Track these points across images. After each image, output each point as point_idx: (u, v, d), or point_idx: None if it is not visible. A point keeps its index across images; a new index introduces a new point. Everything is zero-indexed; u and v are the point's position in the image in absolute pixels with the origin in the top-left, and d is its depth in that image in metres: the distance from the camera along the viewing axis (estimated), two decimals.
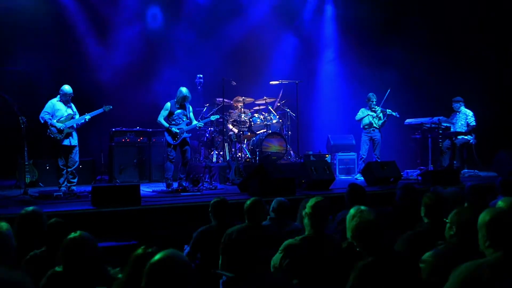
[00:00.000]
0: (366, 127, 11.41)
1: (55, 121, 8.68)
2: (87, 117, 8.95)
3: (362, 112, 11.51)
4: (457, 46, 13.01)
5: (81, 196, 8.09)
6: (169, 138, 9.26)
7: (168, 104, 9.33)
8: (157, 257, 2.42)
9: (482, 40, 12.89)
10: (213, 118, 10.21)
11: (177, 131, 9.20)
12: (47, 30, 11.61)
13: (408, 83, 13.23)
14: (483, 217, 3.11)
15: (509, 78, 13.18)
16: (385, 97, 11.36)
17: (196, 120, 9.74)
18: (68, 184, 8.84)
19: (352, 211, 4.04)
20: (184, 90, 9.30)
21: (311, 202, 4.30)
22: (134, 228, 6.68)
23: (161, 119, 9.28)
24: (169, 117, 9.30)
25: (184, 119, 9.34)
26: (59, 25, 11.78)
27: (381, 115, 11.45)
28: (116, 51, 12.41)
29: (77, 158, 8.94)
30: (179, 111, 9.32)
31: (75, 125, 8.88)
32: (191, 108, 9.57)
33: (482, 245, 3.10)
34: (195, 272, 2.40)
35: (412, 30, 13.04)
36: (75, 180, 8.95)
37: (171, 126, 9.22)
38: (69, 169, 8.87)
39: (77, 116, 8.95)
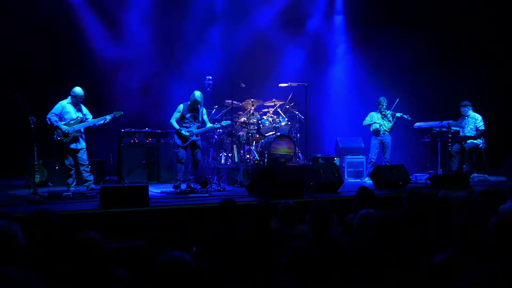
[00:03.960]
0: (375, 132, 11.42)
1: (62, 123, 8.71)
2: (108, 117, 8.96)
3: (370, 117, 11.53)
4: (466, 49, 12.95)
5: (89, 197, 8.11)
6: (178, 141, 9.37)
7: (181, 106, 9.40)
8: (163, 258, 2.43)
9: (492, 43, 12.82)
10: (224, 123, 10.23)
11: (187, 134, 9.26)
12: (58, 30, 11.67)
13: (417, 87, 13.19)
14: (492, 223, 3.09)
15: None
16: (394, 105, 11.38)
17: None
18: (86, 184, 8.88)
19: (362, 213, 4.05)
20: (196, 94, 9.34)
21: (312, 205, 4.31)
22: (142, 229, 6.69)
23: (173, 120, 9.38)
24: (181, 120, 9.36)
25: (196, 123, 9.38)
26: (69, 25, 11.83)
27: (391, 118, 11.45)
28: (125, 52, 12.45)
29: (85, 157, 8.95)
30: (191, 114, 9.38)
31: (82, 129, 8.87)
32: (204, 111, 9.61)
33: (490, 251, 3.07)
34: (201, 274, 2.41)
35: (421, 34, 12.98)
36: (91, 177, 8.97)
37: (181, 128, 9.28)
38: (81, 169, 8.90)
39: (90, 118, 8.97)
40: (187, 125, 9.38)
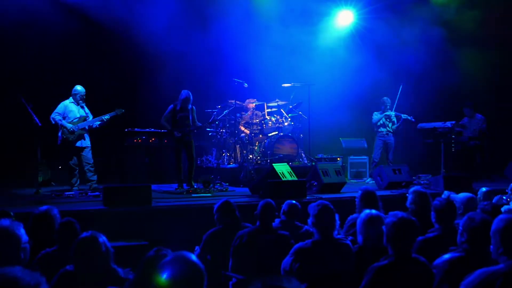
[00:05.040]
0: (380, 131, 11.41)
1: (66, 122, 8.72)
2: (107, 117, 8.96)
3: (377, 116, 11.51)
4: (470, 50, 12.92)
5: (93, 196, 8.12)
6: (172, 141, 9.40)
7: (171, 107, 9.40)
8: (167, 258, 2.43)
9: (496, 44, 12.79)
10: (214, 120, 10.23)
11: (179, 135, 9.25)
12: (59, 29, 11.65)
13: (421, 87, 13.16)
14: (497, 223, 3.08)
15: None
16: (398, 95, 11.38)
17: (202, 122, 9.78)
18: (89, 184, 8.88)
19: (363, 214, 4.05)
20: (185, 93, 9.36)
21: (315, 205, 4.31)
22: (145, 228, 6.70)
23: (164, 121, 9.36)
24: (173, 120, 9.36)
25: (187, 122, 9.37)
26: (71, 22, 11.79)
27: (395, 119, 11.45)
28: (129, 52, 12.45)
29: (90, 156, 8.96)
30: (182, 114, 9.36)
31: (87, 127, 8.91)
32: (194, 109, 9.60)
33: (495, 252, 3.07)
34: (205, 274, 2.40)
35: (425, 34, 12.97)
36: (95, 177, 8.96)
37: (173, 129, 9.29)
38: (85, 168, 8.90)
39: (91, 118, 8.98)
40: (179, 124, 9.37)
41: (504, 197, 6.29)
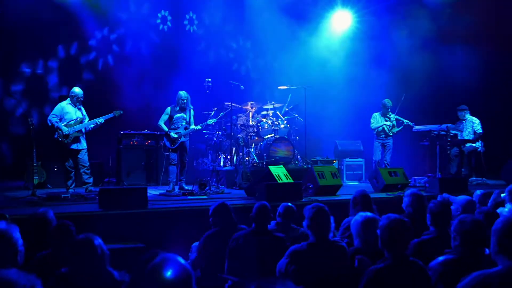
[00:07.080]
0: (380, 134, 11.41)
1: (63, 124, 8.70)
2: (101, 120, 8.94)
3: (376, 120, 11.48)
4: (465, 53, 12.96)
5: (88, 198, 8.10)
6: (167, 143, 9.42)
7: (168, 109, 9.44)
8: (156, 261, 2.42)
9: (491, 47, 12.83)
10: (209, 122, 10.20)
11: (175, 136, 9.27)
12: (57, 32, 11.65)
13: (416, 90, 13.19)
14: (496, 224, 3.09)
15: None
16: (400, 103, 11.39)
17: (197, 124, 9.75)
18: (85, 186, 8.86)
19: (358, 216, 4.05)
20: (182, 94, 9.39)
21: (310, 208, 4.32)
22: (141, 230, 6.69)
23: (161, 123, 9.41)
24: (170, 121, 9.38)
25: (183, 124, 9.38)
26: (69, 26, 11.79)
27: (395, 123, 11.45)
28: (126, 54, 12.45)
29: (86, 158, 8.94)
30: (179, 115, 9.39)
31: (83, 130, 8.89)
32: (192, 112, 9.61)
33: (493, 252, 3.07)
34: (193, 275, 2.40)
35: (420, 36, 13.01)
36: (91, 180, 8.95)
37: (170, 130, 9.31)
38: (81, 170, 8.88)
39: (86, 120, 8.96)
40: (176, 126, 9.38)
41: (502, 195, 6.31)
